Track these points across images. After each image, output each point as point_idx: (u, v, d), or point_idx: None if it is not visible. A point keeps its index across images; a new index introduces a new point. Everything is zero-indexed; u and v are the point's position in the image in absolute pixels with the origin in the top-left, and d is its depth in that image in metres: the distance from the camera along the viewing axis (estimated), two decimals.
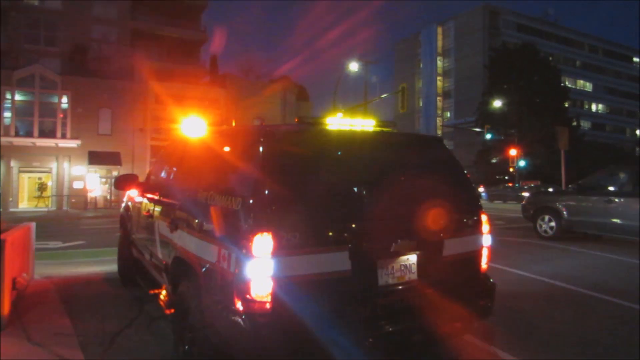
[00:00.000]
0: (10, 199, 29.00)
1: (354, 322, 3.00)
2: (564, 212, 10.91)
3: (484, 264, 3.75)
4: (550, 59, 56.98)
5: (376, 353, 3.07)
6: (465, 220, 3.69)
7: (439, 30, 77.11)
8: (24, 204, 30.87)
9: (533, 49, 52.81)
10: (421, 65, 79.94)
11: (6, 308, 4.57)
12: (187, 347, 3.43)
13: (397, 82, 69.36)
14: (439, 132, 69.87)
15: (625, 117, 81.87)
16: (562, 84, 55.77)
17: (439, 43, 77.37)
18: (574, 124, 51.15)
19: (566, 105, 53.65)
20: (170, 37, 37.03)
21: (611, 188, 10.33)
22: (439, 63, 77.56)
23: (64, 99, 29.95)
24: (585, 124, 71.79)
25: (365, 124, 3.75)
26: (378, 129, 3.81)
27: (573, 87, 72.22)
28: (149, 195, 5.05)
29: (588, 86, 79.27)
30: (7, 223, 6.26)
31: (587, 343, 4.41)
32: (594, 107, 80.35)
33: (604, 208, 10.09)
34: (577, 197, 10.89)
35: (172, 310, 3.91)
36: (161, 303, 4.52)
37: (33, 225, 6.75)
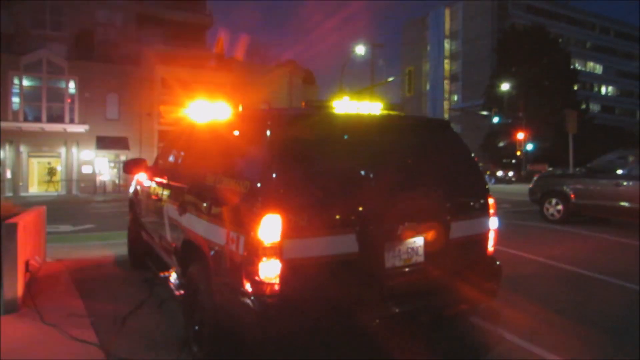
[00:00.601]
0: (21, 184, 29.30)
1: (361, 304, 3.04)
2: (572, 196, 10.88)
3: (490, 247, 3.77)
4: (560, 40, 56.20)
5: (383, 334, 3.12)
6: (472, 203, 3.70)
7: (447, 12, 76.15)
8: (34, 189, 31.18)
9: (542, 30, 52.15)
10: (428, 48, 79.16)
11: (20, 290, 4.66)
12: (196, 327, 3.50)
13: (404, 65, 68.85)
14: (446, 116, 69.47)
15: (635, 100, 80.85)
16: (571, 67, 55.12)
17: (447, 25, 76.48)
18: (583, 106, 50.70)
19: (575, 87, 53.09)
20: (175, 21, 36.79)
21: (620, 171, 10.27)
22: (447, 46, 76.74)
23: (71, 84, 30.04)
24: (595, 107, 71.07)
25: (372, 107, 3.76)
26: (385, 112, 3.82)
27: (583, 69, 71.26)
28: (158, 179, 5.09)
29: (598, 68, 78.27)
30: (18, 207, 6.35)
31: (593, 323, 4.44)
32: (603, 89, 79.42)
33: (612, 191, 10.04)
34: (585, 181, 10.83)
35: (182, 292, 3.98)
36: (171, 285, 4.59)
37: (44, 209, 6.84)
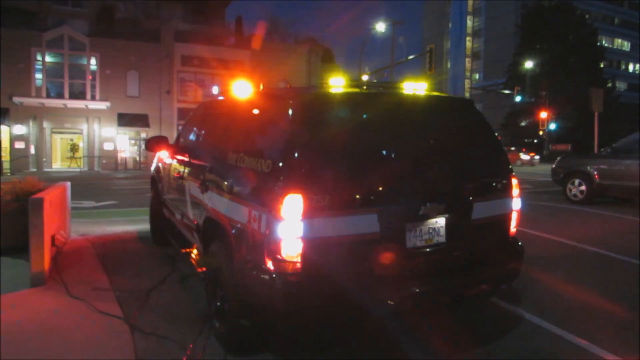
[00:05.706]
0: (44, 159, 29.83)
1: (382, 284, 3.04)
2: (596, 176, 10.69)
3: (513, 228, 3.73)
4: (587, 16, 54.52)
5: (403, 314, 3.13)
6: (494, 183, 3.65)
7: None
8: (57, 164, 31.76)
9: (569, 6, 50.68)
10: (450, 25, 77.54)
11: (47, 264, 4.78)
12: (218, 303, 3.55)
13: (425, 42, 67.65)
14: (467, 94, 68.36)
15: None
16: (598, 44, 53.54)
17: (470, 1, 74.65)
18: (609, 85, 49.38)
19: (601, 65, 51.66)
20: None
21: None
22: (469, 22, 75.04)
23: (93, 61, 30.23)
24: (621, 85, 69.16)
25: (395, 85, 3.70)
26: (408, 90, 3.76)
27: (610, 46, 69.18)
28: (179, 157, 5.12)
29: (626, 45, 75.87)
30: (43, 182, 6.47)
31: (616, 305, 4.39)
32: (631, 67, 77.08)
33: (638, 172, 9.83)
34: (609, 161, 10.63)
35: (204, 269, 4.03)
36: (193, 262, 4.66)
37: (68, 184, 6.95)
